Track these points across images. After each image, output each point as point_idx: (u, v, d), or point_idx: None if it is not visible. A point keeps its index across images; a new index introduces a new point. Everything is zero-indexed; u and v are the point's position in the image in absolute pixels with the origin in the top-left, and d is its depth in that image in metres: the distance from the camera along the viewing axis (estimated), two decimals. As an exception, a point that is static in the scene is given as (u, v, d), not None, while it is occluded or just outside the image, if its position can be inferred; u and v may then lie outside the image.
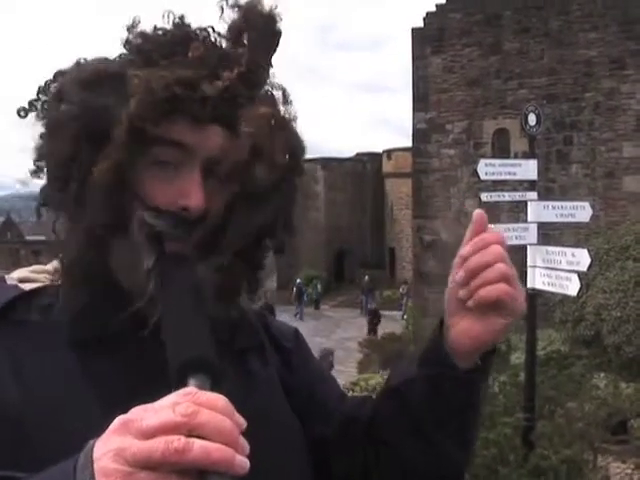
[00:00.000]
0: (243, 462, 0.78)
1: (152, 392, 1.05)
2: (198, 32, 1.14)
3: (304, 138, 1.21)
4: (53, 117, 1.09)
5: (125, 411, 1.01)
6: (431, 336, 1.25)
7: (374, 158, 49.25)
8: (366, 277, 38.62)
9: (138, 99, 1.03)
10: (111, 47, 1.16)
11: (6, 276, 1.18)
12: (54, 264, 1.21)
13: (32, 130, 1.14)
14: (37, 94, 1.14)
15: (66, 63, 1.15)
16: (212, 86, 1.07)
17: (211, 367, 0.89)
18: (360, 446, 1.28)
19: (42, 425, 0.99)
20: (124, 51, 1.15)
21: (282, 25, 1.16)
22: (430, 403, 1.21)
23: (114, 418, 1.00)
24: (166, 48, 1.11)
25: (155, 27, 1.15)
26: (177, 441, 0.76)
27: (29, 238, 51.14)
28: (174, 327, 0.96)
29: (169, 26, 1.15)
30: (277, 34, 1.16)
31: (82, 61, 1.14)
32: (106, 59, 1.14)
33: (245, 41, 1.13)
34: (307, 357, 1.42)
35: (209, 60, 1.10)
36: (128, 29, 1.15)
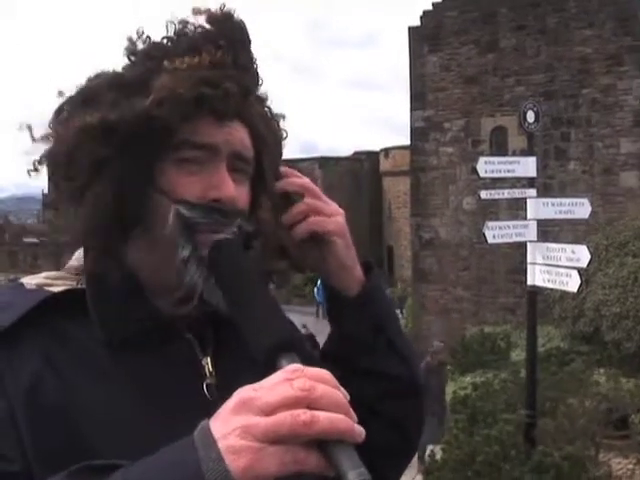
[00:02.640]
0: (361, 430, 0.83)
1: (183, 385, 1.08)
2: (202, 40, 1.16)
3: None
4: (79, 118, 1.10)
5: (161, 405, 1.04)
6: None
7: (371, 156, 49.15)
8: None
9: (163, 101, 1.07)
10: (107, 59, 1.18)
11: (23, 281, 1.19)
12: (69, 269, 1.22)
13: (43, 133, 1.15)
14: (62, 104, 1.15)
15: (64, 72, 1.16)
16: (232, 84, 1.12)
17: (301, 346, 0.94)
18: None
19: (85, 421, 1.01)
20: (128, 61, 1.18)
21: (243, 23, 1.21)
22: (343, 338, 1.29)
23: (152, 412, 1.03)
24: (176, 54, 1.14)
25: (161, 37, 1.18)
26: (303, 414, 0.80)
27: (27, 240, 51.05)
28: (251, 308, 0.99)
29: (173, 35, 1.18)
30: (248, 35, 1.21)
31: (94, 74, 1.17)
32: (114, 70, 1.17)
33: (228, 45, 1.17)
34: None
35: (222, 62, 1.14)
36: (132, 39, 1.18)
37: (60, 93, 1.15)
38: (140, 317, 1.10)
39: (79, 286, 1.15)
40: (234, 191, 1.12)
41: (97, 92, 1.12)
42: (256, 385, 0.85)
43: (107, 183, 1.07)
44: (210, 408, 0.96)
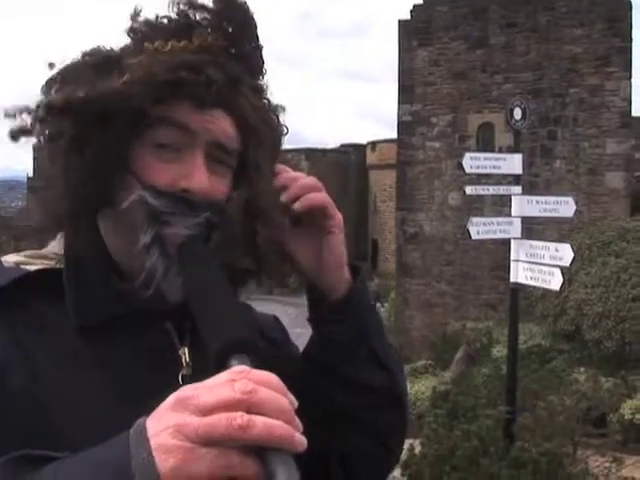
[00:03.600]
0: (302, 439, 0.79)
1: (158, 374, 1.06)
2: (200, 21, 1.14)
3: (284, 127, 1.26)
4: (60, 99, 1.08)
5: (133, 393, 1.02)
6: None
7: (358, 149, 49.23)
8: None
9: (134, 80, 1.04)
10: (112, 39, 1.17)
11: (2, 258, 1.17)
12: (51, 249, 1.21)
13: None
14: (47, 80, 1.12)
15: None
16: (217, 71, 1.09)
17: (253, 348, 0.90)
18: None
19: (53, 407, 1.00)
20: (129, 40, 1.16)
21: (253, 10, 1.18)
22: (325, 343, 1.25)
23: (123, 400, 1.01)
24: (169, 35, 1.12)
25: (158, 15, 1.16)
26: (240, 417, 0.76)
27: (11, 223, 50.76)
28: (209, 308, 0.96)
29: (174, 15, 1.15)
30: (253, 21, 1.18)
31: (89, 49, 1.14)
32: (112, 48, 1.15)
33: (229, 30, 1.14)
34: (290, 343, 1.42)
35: (213, 47, 1.12)
36: (132, 17, 1.16)
37: (50, 65, 1.12)
38: (114, 303, 1.08)
39: (58, 266, 1.14)
40: (207, 182, 1.09)
41: (78, 69, 1.10)
42: (198, 384, 0.81)
43: (78, 165, 1.06)
44: None
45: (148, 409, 0.85)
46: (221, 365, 0.87)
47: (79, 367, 1.04)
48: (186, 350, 1.12)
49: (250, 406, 0.77)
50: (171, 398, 0.81)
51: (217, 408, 0.77)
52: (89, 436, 0.89)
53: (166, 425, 0.78)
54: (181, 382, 1.07)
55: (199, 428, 0.76)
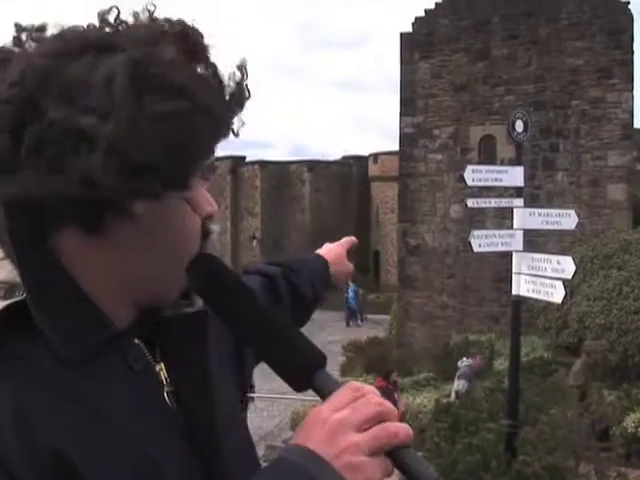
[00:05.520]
0: None
1: (147, 396, 1.00)
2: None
3: None
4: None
5: (133, 419, 0.96)
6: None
7: (360, 161, 49.22)
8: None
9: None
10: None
11: None
12: None
13: None
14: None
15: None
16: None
17: (325, 361, 1.01)
18: None
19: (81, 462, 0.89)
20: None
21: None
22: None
23: (126, 427, 0.94)
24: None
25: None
26: (391, 426, 0.90)
27: None
28: (279, 334, 1.02)
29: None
30: None
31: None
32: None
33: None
34: None
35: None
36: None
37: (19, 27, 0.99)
38: (99, 330, 0.98)
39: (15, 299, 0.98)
40: None
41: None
42: (329, 405, 0.92)
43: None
44: (175, 418, 0.97)
45: (152, 431, 0.91)
46: (306, 379, 0.98)
47: (79, 403, 0.93)
48: (162, 366, 1.05)
49: (383, 415, 0.91)
50: (331, 423, 0.90)
51: (367, 423, 0.90)
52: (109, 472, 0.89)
53: (344, 446, 0.88)
54: (168, 400, 1.02)
55: (369, 442, 0.89)
